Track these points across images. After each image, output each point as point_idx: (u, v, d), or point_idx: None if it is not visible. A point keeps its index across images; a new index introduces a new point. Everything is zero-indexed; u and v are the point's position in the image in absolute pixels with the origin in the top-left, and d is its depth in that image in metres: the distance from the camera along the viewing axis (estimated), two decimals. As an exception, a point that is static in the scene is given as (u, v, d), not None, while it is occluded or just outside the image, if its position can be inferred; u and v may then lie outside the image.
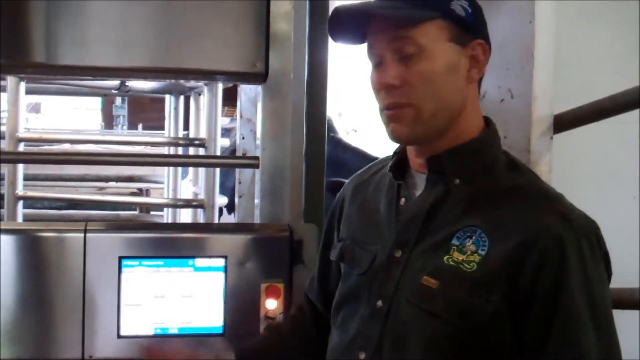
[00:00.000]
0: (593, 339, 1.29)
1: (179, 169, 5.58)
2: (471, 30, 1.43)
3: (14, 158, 3.97)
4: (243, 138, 3.60)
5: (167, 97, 5.48)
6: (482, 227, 1.36)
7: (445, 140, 1.45)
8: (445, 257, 1.37)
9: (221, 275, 2.20)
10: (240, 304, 2.18)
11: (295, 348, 1.83)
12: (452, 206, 1.42)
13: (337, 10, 1.44)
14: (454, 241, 1.37)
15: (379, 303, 1.46)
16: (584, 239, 1.32)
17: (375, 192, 1.62)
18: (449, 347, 1.35)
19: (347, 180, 1.78)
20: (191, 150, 4.97)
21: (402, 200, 1.52)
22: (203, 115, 4.63)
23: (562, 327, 1.29)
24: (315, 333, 1.78)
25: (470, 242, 1.36)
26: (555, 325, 1.29)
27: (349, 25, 1.45)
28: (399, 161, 1.56)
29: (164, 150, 5.63)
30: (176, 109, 5.43)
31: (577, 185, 2.32)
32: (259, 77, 2.36)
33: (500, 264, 1.32)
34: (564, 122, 1.97)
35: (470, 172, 1.44)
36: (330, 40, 1.75)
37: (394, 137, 1.46)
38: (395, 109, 1.42)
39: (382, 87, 1.43)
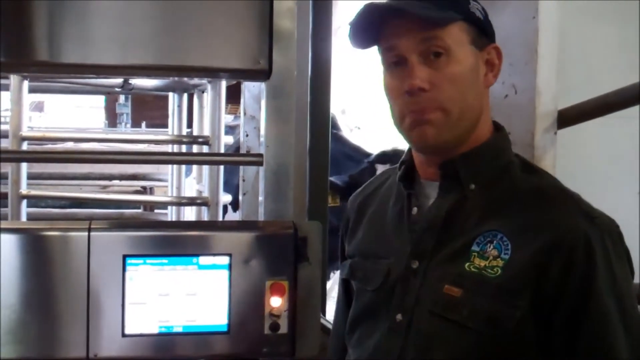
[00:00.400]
0: (623, 340, 1.27)
1: (183, 166, 5.57)
2: (487, 33, 1.42)
3: (17, 157, 3.97)
4: (247, 135, 3.59)
5: (170, 94, 5.47)
6: (503, 231, 1.34)
7: (460, 146, 1.44)
8: (467, 264, 1.35)
9: (225, 273, 2.19)
10: (245, 302, 2.18)
11: None
12: (469, 212, 1.40)
13: (367, 7, 1.41)
14: (474, 247, 1.35)
15: (399, 317, 1.43)
16: (607, 237, 1.31)
17: (382, 204, 1.60)
18: (474, 356, 1.33)
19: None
20: (195, 148, 4.96)
21: (414, 210, 1.49)
22: (207, 113, 4.63)
23: (591, 329, 1.27)
24: None
25: (492, 247, 1.34)
26: (584, 327, 1.27)
27: (365, 26, 1.43)
28: (408, 170, 1.53)
29: (168, 148, 5.62)
30: (179, 106, 5.42)
31: (581, 181, 2.31)
32: (262, 74, 2.36)
33: (525, 267, 1.30)
34: (567, 118, 1.97)
35: (485, 176, 1.43)
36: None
37: (421, 141, 1.43)
38: (423, 113, 1.39)
39: (409, 91, 1.38)
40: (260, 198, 2.49)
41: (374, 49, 1.48)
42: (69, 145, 6.93)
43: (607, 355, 1.27)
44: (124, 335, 2.16)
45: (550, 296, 1.28)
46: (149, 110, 15.99)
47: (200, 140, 4.74)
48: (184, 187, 5.55)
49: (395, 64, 1.42)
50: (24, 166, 4.67)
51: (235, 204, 5.27)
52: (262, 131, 2.46)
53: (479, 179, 1.42)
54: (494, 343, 1.31)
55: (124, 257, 2.15)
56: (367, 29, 1.43)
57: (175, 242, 2.24)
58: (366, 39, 1.46)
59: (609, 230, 1.33)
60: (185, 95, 5.41)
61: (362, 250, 1.63)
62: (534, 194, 1.39)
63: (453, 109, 1.38)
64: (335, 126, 4.95)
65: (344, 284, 1.71)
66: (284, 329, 2.20)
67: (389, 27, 1.41)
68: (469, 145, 1.44)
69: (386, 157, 4.76)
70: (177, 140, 5.21)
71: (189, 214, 5.15)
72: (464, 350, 1.33)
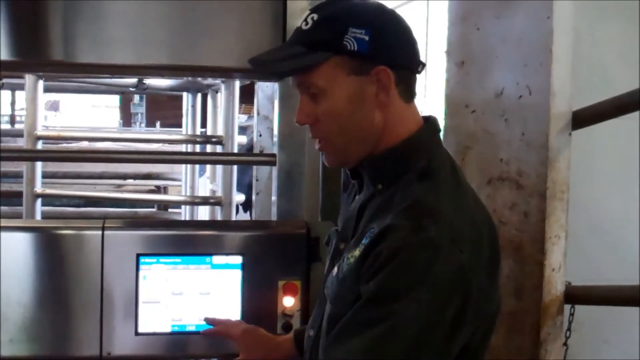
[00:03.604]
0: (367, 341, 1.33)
1: (197, 166, 5.59)
2: (370, 58, 1.46)
3: (32, 156, 4.00)
4: (260, 135, 3.60)
5: (184, 94, 5.49)
6: (376, 230, 1.43)
7: (373, 152, 1.53)
8: (352, 253, 1.46)
9: (238, 273, 2.20)
10: (258, 302, 2.18)
11: None
12: (372, 208, 1.52)
13: (249, 61, 1.58)
14: (364, 240, 1.45)
15: (326, 290, 1.57)
16: (412, 248, 1.34)
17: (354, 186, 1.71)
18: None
19: None
20: (208, 148, 4.98)
21: (357, 197, 1.63)
22: (220, 113, 4.63)
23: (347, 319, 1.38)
24: None
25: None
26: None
27: None
28: None
29: (182, 147, 5.64)
30: (193, 106, 5.44)
31: (593, 183, 2.30)
32: (275, 74, 2.36)
33: (358, 260, 1.42)
34: (582, 119, 1.96)
35: (387, 178, 1.52)
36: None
37: (326, 164, 1.59)
38: (319, 142, 1.54)
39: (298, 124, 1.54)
40: (273, 198, 2.49)
41: None
42: (84, 145, 6.97)
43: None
44: (137, 333, 2.17)
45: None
46: (163, 110, 16.06)
47: (213, 140, 4.75)
48: (197, 186, 5.57)
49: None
50: (39, 165, 4.69)
51: (245, 204, 5.27)
52: (275, 131, 2.47)
53: (383, 181, 1.53)
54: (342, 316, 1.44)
55: (138, 255, 2.16)
56: None
57: (189, 242, 2.24)
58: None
59: (422, 243, 1.35)
60: (199, 95, 5.42)
61: (339, 221, 1.76)
62: (402, 200, 1.46)
63: (335, 139, 1.52)
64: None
65: None
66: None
67: None
68: (379, 149, 1.53)
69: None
70: (191, 140, 5.23)
71: (203, 213, 5.16)
72: (330, 321, 1.49)
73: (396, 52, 1.50)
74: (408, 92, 1.53)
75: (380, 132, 1.51)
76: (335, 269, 1.51)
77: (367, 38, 1.46)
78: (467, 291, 1.34)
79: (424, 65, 1.55)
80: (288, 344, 1.92)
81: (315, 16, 1.47)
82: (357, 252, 1.44)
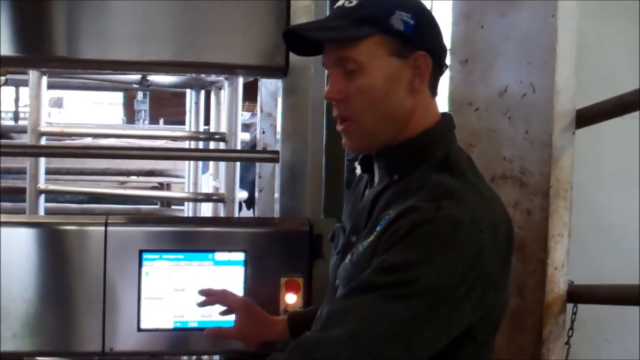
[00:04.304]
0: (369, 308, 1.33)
1: (200, 163, 5.59)
2: (412, 42, 1.48)
3: (35, 152, 3.99)
4: (263, 132, 3.60)
5: (187, 91, 5.48)
6: (392, 215, 1.43)
7: (391, 143, 1.53)
8: (366, 240, 1.47)
9: (241, 270, 2.20)
10: (260, 298, 2.18)
11: None
12: (386, 197, 1.52)
13: (284, 31, 1.57)
14: (378, 228, 1.46)
15: (337, 282, 1.58)
16: (431, 224, 1.35)
17: (364, 180, 1.71)
18: None
19: None
20: (212, 145, 4.97)
21: (366, 192, 1.64)
22: (224, 110, 4.63)
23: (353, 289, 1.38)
24: None
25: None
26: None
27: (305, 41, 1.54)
28: (366, 155, 1.65)
29: (185, 144, 5.63)
30: (197, 103, 5.42)
31: (597, 182, 2.30)
32: (279, 71, 2.36)
33: (374, 240, 1.43)
34: (586, 117, 1.96)
35: (403, 168, 1.52)
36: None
37: (346, 148, 1.58)
38: (343, 123, 1.52)
39: (327, 100, 1.54)
40: (276, 195, 2.49)
41: None
42: (87, 141, 6.96)
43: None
44: (139, 329, 2.17)
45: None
46: (167, 107, 16.03)
47: (217, 137, 4.74)
48: (200, 183, 5.56)
49: (328, 74, 1.57)
50: (42, 161, 4.69)
51: (249, 202, 5.26)
52: (279, 128, 2.47)
53: (399, 171, 1.53)
54: None
55: (140, 252, 2.16)
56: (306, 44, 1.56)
57: (191, 238, 2.24)
58: (310, 50, 1.59)
59: (444, 219, 1.36)
60: (202, 92, 5.41)
61: (343, 217, 1.76)
62: (420, 187, 1.46)
63: (365, 119, 1.50)
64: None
65: None
66: (298, 325, 2.20)
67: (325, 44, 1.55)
68: (396, 141, 1.53)
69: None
70: (194, 137, 5.22)
71: (206, 210, 5.16)
72: None
73: (435, 43, 1.52)
74: (434, 87, 1.55)
75: (408, 118, 1.52)
76: (349, 256, 1.51)
77: (412, 22, 1.47)
78: (480, 272, 1.35)
79: (446, 66, 1.57)
80: (282, 326, 1.94)
81: None
82: (371, 237, 1.44)
